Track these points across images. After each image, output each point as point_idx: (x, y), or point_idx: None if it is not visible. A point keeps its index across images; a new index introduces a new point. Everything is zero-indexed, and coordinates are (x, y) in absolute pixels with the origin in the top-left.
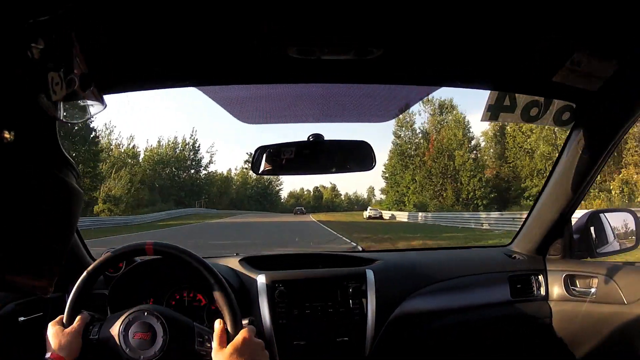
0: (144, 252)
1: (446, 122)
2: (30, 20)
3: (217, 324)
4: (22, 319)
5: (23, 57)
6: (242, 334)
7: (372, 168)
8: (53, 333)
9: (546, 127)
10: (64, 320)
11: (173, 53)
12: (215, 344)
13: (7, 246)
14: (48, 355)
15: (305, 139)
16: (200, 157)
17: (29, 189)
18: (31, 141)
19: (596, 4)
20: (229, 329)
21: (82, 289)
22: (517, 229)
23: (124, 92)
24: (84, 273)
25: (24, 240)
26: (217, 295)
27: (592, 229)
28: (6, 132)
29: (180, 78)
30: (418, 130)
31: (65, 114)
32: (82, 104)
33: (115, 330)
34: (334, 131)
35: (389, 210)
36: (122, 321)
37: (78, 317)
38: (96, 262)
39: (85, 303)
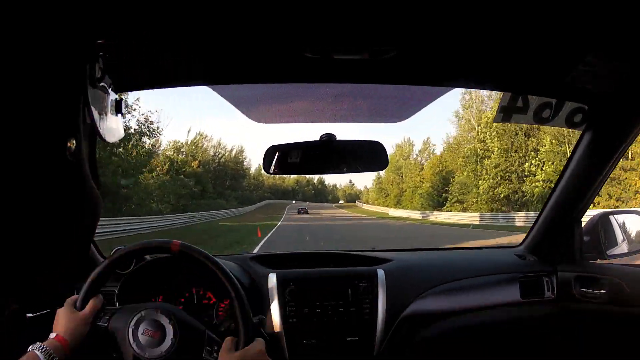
0: (169, 250)
1: None
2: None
3: (226, 343)
4: (29, 315)
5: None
6: (256, 345)
7: (385, 168)
8: (63, 314)
9: None
10: (77, 303)
11: (186, 51)
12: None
13: (37, 250)
14: (52, 335)
15: (317, 139)
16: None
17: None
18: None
19: (609, 6)
20: (241, 340)
21: (101, 275)
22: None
23: (137, 90)
24: (106, 260)
25: (53, 245)
26: (235, 307)
27: (601, 230)
28: (70, 142)
29: (192, 76)
30: None
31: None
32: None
33: (126, 322)
34: (347, 131)
35: None
36: (135, 315)
37: (92, 299)
38: (121, 251)
39: (100, 291)
